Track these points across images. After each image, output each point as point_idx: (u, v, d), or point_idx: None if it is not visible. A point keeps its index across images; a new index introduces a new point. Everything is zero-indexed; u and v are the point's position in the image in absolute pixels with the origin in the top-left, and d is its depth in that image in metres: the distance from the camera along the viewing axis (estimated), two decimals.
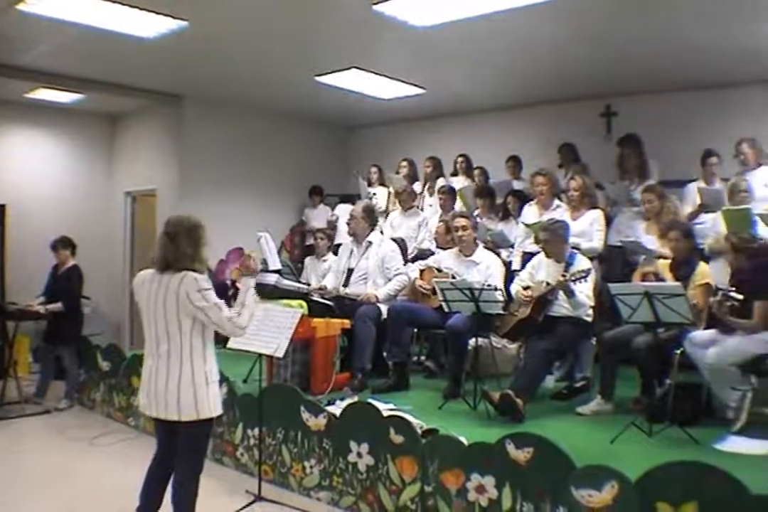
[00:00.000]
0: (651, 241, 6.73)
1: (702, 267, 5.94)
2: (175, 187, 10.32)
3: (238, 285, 4.75)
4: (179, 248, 3.89)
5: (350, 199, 10.34)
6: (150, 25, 6.99)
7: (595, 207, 7.25)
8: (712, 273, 6.06)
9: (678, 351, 5.49)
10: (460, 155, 9.79)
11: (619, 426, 5.06)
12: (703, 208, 7.08)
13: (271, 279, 7.55)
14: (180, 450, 3.98)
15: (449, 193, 8.77)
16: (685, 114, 8.88)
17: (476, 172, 9.46)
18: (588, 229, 7.05)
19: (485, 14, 6.54)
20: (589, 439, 5.02)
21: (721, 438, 4.92)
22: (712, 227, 6.86)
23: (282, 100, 10.47)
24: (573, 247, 6.65)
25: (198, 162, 10.35)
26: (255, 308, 4.20)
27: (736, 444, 4.82)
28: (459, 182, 9.39)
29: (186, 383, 3.84)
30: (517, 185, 8.92)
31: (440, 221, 8.00)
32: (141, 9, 6.51)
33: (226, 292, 8.57)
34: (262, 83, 9.48)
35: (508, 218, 8.35)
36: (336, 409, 5.29)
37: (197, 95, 10.16)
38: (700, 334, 5.52)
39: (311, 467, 5.25)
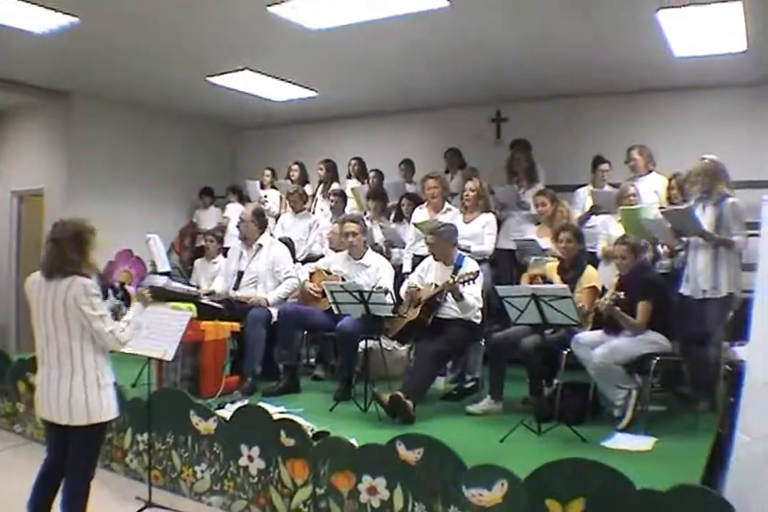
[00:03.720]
0: (545, 243, 6.83)
1: (589, 270, 6.09)
2: (63, 187, 10.01)
3: (126, 287, 4.69)
4: (65, 254, 3.83)
5: (242, 200, 10.36)
6: (40, 20, 6.79)
7: (488, 210, 7.34)
8: (603, 276, 6.22)
9: (565, 352, 5.61)
10: (354, 158, 9.77)
11: (508, 426, 5.12)
12: (596, 209, 7.26)
13: (160, 281, 7.43)
14: (71, 456, 3.88)
15: (340, 196, 8.78)
16: (573, 120, 9.12)
17: (371, 174, 9.49)
18: (480, 232, 7.14)
19: (377, 19, 6.58)
20: (479, 439, 5.09)
21: (608, 436, 5.06)
22: (603, 230, 7.02)
23: (174, 100, 10.31)
24: (463, 250, 6.72)
25: (87, 161, 10.06)
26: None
27: (621, 441, 4.95)
28: (352, 185, 9.37)
29: (77, 388, 3.78)
30: (409, 188, 8.96)
31: (335, 223, 7.98)
32: (31, 3, 6.33)
33: (115, 294, 8.39)
34: (154, 82, 9.31)
35: (402, 220, 8.36)
36: (226, 413, 5.20)
37: (87, 93, 9.88)
38: (587, 335, 5.65)
39: (202, 471, 5.15)
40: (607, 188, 7.61)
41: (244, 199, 10.59)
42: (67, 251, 3.83)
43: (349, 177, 9.79)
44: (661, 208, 6.54)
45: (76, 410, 3.76)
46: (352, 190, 8.96)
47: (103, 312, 3.85)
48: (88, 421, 3.79)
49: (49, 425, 3.93)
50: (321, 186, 9.59)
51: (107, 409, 3.88)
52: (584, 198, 7.71)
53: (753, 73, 7.84)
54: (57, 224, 3.97)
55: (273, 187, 10.14)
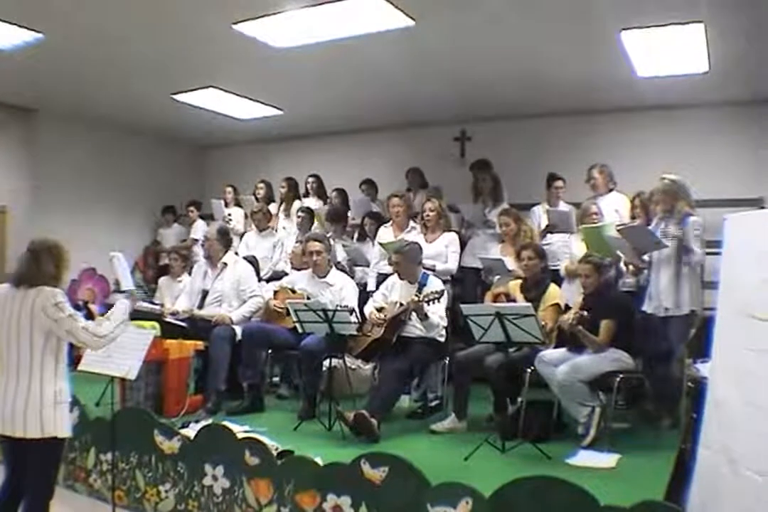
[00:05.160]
0: (508, 262, 6.84)
1: (552, 288, 6.12)
2: (27, 204, 9.93)
3: (90, 306, 4.63)
4: (41, 266, 3.85)
5: (205, 218, 10.33)
6: (3, 36, 6.73)
7: (449, 229, 7.36)
8: (567, 294, 6.26)
9: (529, 370, 5.62)
10: (311, 175, 9.73)
11: (473, 444, 5.12)
12: (551, 228, 7.29)
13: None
14: (29, 474, 3.83)
15: (307, 213, 8.72)
16: (537, 139, 9.22)
17: (334, 194, 9.40)
18: (444, 251, 7.16)
19: (343, 37, 6.60)
20: (443, 457, 5.09)
21: (572, 453, 5.08)
22: (563, 248, 7.06)
23: (138, 117, 10.27)
24: (428, 269, 6.73)
25: (51, 178, 10.00)
26: (122, 325, 4.10)
27: (585, 458, 4.97)
28: (311, 203, 9.32)
29: (34, 400, 3.73)
30: (372, 207, 8.95)
31: (297, 242, 7.96)
32: None
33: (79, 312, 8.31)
34: (119, 100, 9.25)
35: (365, 239, 8.35)
36: (190, 432, 5.15)
37: (52, 110, 9.84)
38: (550, 353, 5.67)
39: (166, 491, 5.06)
40: (562, 206, 7.68)
41: (205, 216, 10.55)
42: (43, 262, 3.85)
43: (306, 195, 9.74)
44: (619, 226, 6.59)
45: (31, 422, 3.71)
46: (315, 210, 8.91)
47: (72, 312, 3.83)
48: (42, 434, 3.72)
49: (7, 442, 3.87)
50: (283, 204, 9.58)
51: (61, 425, 3.82)
52: (539, 216, 7.78)
53: (715, 94, 7.94)
54: (35, 239, 4.00)
55: (237, 204, 10.10)
